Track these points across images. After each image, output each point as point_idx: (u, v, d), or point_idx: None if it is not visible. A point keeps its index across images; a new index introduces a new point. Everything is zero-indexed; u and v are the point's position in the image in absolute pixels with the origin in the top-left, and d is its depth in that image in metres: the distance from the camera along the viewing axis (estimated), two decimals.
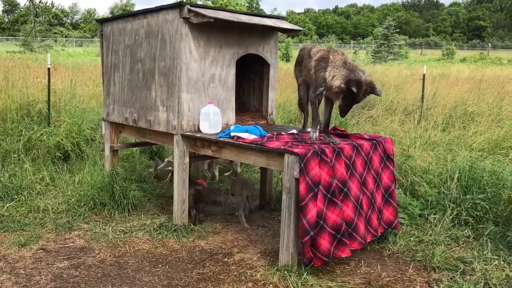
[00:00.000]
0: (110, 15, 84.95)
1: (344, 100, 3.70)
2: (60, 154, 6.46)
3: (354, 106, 3.88)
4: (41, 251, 4.15)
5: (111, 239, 4.38)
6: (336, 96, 3.80)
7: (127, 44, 4.83)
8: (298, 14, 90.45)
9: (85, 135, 7.06)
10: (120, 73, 4.96)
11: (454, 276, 3.73)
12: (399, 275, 3.81)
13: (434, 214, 4.81)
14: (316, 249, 3.54)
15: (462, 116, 8.38)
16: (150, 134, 4.84)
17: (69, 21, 75.34)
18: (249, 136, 4.03)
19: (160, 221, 4.70)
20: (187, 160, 4.47)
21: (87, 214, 4.93)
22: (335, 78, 3.71)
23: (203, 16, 4.09)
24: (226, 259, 4.03)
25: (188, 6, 4.17)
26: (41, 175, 5.76)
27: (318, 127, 4.02)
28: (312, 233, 3.50)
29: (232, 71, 4.68)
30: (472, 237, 4.43)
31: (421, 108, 8.88)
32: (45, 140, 6.47)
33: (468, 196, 4.84)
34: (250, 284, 3.58)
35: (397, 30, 35.84)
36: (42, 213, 4.93)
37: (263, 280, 3.62)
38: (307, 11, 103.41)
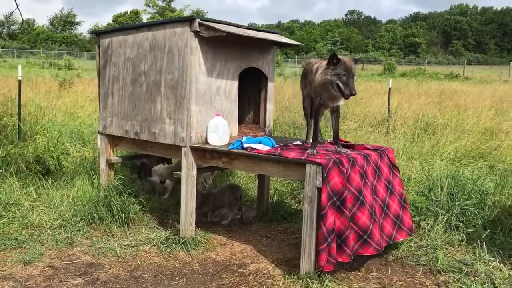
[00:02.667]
0: (51, 26, 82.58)
1: (338, 78, 3.78)
2: (41, 169, 6.25)
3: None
4: (49, 268, 4.02)
5: (119, 254, 4.30)
6: (331, 88, 3.85)
7: (129, 56, 4.80)
8: None
9: (64, 149, 6.87)
10: (120, 85, 4.91)
11: (460, 278, 3.96)
12: (410, 279, 3.99)
13: (425, 220, 5.07)
14: (330, 255, 3.66)
15: (428, 127, 8.83)
16: (152, 146, 4.81)
17: (5, 31, 72.24)
18: (263, 148, 4.11)
19: (165, 234, 4.66)
20: (195, 172, 4.49)
21: (85, 229, 4.80)
22: (319, 75, 3.94)
23: (216, 30, 4.16)
24: (241, 270, 4.07)
25: (199, 20, 4.22)
26: (26, 191, 5.55)
27: (317, 144, 4.15)
28: (329, 239, 3.63)
29: (236, 84, 4.76)
30: (465, 241, 4.71)
31: (388, 120, 9.29)
32: (25, 154, 6.24)
33: (456, 203, 5.14)
34: None
35: (343, 45, 37.09)
36: (37, 229, 4.76)
37: None
38: (251, 25, 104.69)
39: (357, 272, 4.09)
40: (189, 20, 4.24)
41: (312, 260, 3.72)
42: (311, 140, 4.67)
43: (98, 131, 5.25)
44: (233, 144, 4.28)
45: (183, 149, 4.42)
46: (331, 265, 3.64)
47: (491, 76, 36.97)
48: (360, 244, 3.85)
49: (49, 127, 7.02)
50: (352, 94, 3.75)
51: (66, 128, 7.57)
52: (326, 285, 3.67)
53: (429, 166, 6.51)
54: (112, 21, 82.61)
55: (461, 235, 4.78)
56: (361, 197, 3.86)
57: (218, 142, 4.41)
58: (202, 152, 4.45)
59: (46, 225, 4.84)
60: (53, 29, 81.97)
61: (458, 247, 4.62)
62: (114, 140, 5.18)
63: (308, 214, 3.70)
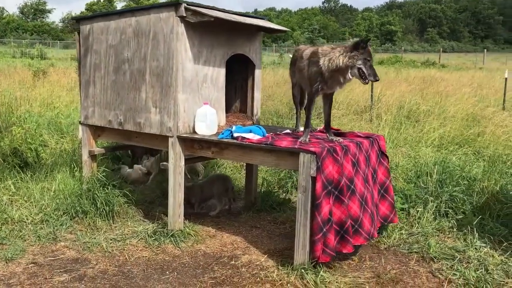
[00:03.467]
0: (21, 14, 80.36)
1: (363, 63, 3.71)
2: (18, 161, 6.01)
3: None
4: (32, 265, 3.85)
5: (106, 249, 4.15)
6: (345, 71, 3.77)
7: (111, 43, 4.61)
8: None
9: (42, 141, 6.63)
10: (102, 73, 4.72)
11: (453, 265, 3.94)
12: (403, 267, 3.95)
13: (413, 207, 5.04)
14: (326, 246, 3.59)
15: (411, 114, 8.83)
16: (136, 137, 4.65)
17: None
18: (254, 137, 4.00)
19: (153, 227, 4.53)
20: (182, 163, 4.35)
21: (68, 223, 4.63)
22: (333, 59, 3.76)
23: (203, 15, 4.01)
24: (233, 262, 3.97)
25: (185, 5, 4.06)
26: (4, 185, 5.33)
27: (309, 131, 4.05)
28: (324, 229, 3.55)
29: (223, 71, 4.62)
30: (455, 228, 4.70)
31: (371, 107, 9.27)
32: (1, 146, 6.00)
33: (445, 189, 5.13)
34: (268, 285, 3.56)
35: (321, 34, 37.07)
36: (18, 225, 4.56)
37: (280, 280, 3.61)
38: None
39: (350, 261, 4.03)
40: (175, 4, 4.07)
41: (306, 251, 3.64)
42: (301, 129, 4.58)
43: (80, 122, 5.06)
44: (222, 134, 4.15)
45: (170, 139, 4.28)
46: (328, 256, 3.57)
47: (466, 63, 37.48)
48: (351, 233, 3.79)
49: (26, 118, 6.76)
50: (376, 79, 3.72)
51: (43, 119, 7.31)
52: (321, 275, 3.60)
53: (415, 153, 6.50)
54: (86, 9, 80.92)
55: (451, 221, 4.77)
56: (352, 186, 3.79)
57: (207, 132, 4.28)
58: (190, 142, 4.31)
59: (27, 220, 4.65)
60: (23, 18, 79.89)
61: (449, 234, 4.61)
62: (96, 131, 5.00)
63: (302, 204, 3.61)
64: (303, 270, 3.62)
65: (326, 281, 3.57)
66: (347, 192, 3.73)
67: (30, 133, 6.41)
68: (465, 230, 4.56)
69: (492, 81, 15.08)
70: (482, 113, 8.30)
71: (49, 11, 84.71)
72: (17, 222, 4.60)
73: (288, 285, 3.55)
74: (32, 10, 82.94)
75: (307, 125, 3.99)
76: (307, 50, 4.05)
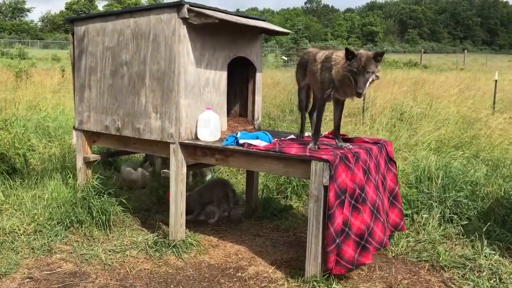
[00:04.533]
0: None
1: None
2: (6, 168, 5.76)
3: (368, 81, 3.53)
4: (28, 280, 3.64)
5: (105, 261, 3.96)
6: (348, 84, 3.59)
7: (108, 45, 4.41)
8: None
9: (30, 145, 6.38)
10: (98, 77, 4.52)
11: (465, 274, 3.84)
12: (414, 277, 3.85)
13: (417, 213, 4.95)
14: (341, 257, 3.46)
15: (406, 117, 8.77)
16: (135, 143, 4.46)
17: None
18: (260, 143, 3.85)
19: (153, 237, 4.34)
20: (184, 170, 4.18)
21: (63, 234, 4.42)
22: (339, 70, 3.61)
23: (207, 16, 3.84)
24: (239, 274, 3.82)
25: (188, 6, 3.89)
26: None
27: (319, 139, 3.91)
28: (338, 241, 3.43)
29: (224, 75, 4.47)
30: (462, 234, 4.62)
31: (363, 109, 9.19)
32: None
33: (450, 194, 5.05)
34: None
35: (304, 34, 37.02)
36: (9, 236, 4.33)
37: None
38: None
39: (359, 271, 3.91)
40: (177, 5, 3.90)
41: (318, 262, 3.50)
42: (306, 134, 4.45)
43: (74, 127, 4.84)
44: (227, 140, 3.99)
45: (172, 146, 4.10)
46: (342, 267, 3.43)
47: (447, 64, 37.90)
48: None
49: (13, 122, 6.49)
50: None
51: (30, 122, 7.04)
52: (334, 287, 3.47)
53: (413, 157, 6.41)
54: (65, 8, 79.81)
55: (458, 228, 4.68)
56: (363, 195, 3.67)
57: (210, 138, 4.11)
58: (193, 149, 4.14)
59: (19, 230, 4.43)
60: (1, 16, 78.35)
61: (456, 241, 4.52)
62: (91, 137, 4.79)
63: (314, 214, 3.48)
64: (315, 283, 3.48)
65: None
66: (359, 200, 3.61)
67: (17, 137, 6.16)
68: (472, 237, 4.48)
69: (478, 83, 15.17)
70: (476, 116, 8.27)
71: (28, 10, 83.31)
72: (8, 233, 4.37)
73: None
74: (11, 8, 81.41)
75: (316, 131, 3.85)
76: (320, 53, 3.92)
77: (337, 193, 3.41)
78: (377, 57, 3.50)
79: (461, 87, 13.13)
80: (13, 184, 5.32)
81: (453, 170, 5.42)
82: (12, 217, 4.65)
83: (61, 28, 76.41)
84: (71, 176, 5.06)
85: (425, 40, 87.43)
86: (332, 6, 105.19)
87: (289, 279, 3.67)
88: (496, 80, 10.30)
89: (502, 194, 5.01)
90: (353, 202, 3.53)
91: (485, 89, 12.48)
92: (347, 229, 3.48)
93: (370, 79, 3.49)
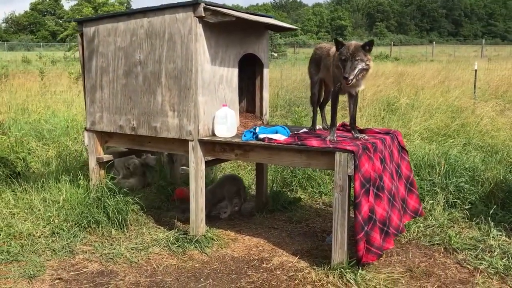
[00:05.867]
0: None
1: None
2: (9, 172, 5.71)
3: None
4: (58, 281, 3.66)
5: (130, 259, 4.00)
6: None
7: (120, 45, 4.43)
8: None
9: (28, 149, 6.33)
10: (110, 77, 4.53)
11: (477, 254, 4.05)
12: (431, 260, 4.02)
13: (423, 200, 5.14)
14: (371, 245, 3.59)
15: (391, 108, 9.01)
16: (150, 142, 4.50)
17: None
18: (280, 137, 3.95)
19: (174, 233, 4.39)
20: (203, 167, 4.25)
21: (82, 235, 4.43)
22: None
23: (224, 15, 3.92)
24: (265, 265, 3.92)
25: (204, 4, 3.96)
26: (1, 197, 5.04)
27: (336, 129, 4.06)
28: (366, 228, 3.56)
29: (236, 72, 4.55)
30: (467, 218, 4.83)
31: None
32: None
33: (450, 181, 5.26)
34: (309, 287, 3.54)
35: None
36: (27, 239, 4.32)
37: (320, 280, 3.59)
38: None
39: None
40: (193, 4, 3.96)
41: (344, 250, 3.64)
42: (318, 127, 4.57)
43: (85, 128, 4.84)
44: (245, 136, 4.08)
45: (191, 143, 4.16)
46: (374, 255, 3.58)
47: (416, 55, 38.63)
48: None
49: (10, 126, 6.42)
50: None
51: (28, 126, 6.96)
52: (360, 273, 3.61)
53: (408, 146, 6.62)
54: (30, 9, 77.96)
55: (464, 212, 4.89)
56: (382, 183, 3.82)
57: (227, 134, 4.19)
58: (211, 145, 4.21)
59: (36, 233, 4.42)
60: None
61: (462, 224, 4.72)
62: (103, 137, 4.80)
63: (339, 203, 3.60)
64: (342, 270, 3.61)
65: (366, 279, 3.58)
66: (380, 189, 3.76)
67: (17, 141, 6.10)
68: (478, 220, 4.69)
69: (453, 73, 15.61)
70: (461, 105, 8.57)
71: None
72: (26, 236, 4.36)
73: (329, 285, 3.54)
74: None
75: (333, 123, 3.98)
76: (332, 48, 4.04)
77: (362, 182, 3.55)
78: (366, 46, 3.70)
79: (440, 78, 13.52)
80: (18, 188, 5.28)
81: (451, 157, 5.64)
82: (25, 220, 4.63)
83: (27, 29, 74.67)
84: (81, 177, 5.05)
85: (393, 33, 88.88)
86: (300, 1, 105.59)
87: (315, 267, 3.79)
88: (476, 70, 10.66)
89: (501, 178, 5.25)
90: (375, 190, 3.67)
91: (463, 79, 12.88)
92: (374, 217, 3.62)
93: (360, 66, 3.68)
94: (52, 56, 33.06)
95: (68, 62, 28.44)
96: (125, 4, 34.95)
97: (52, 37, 65.89)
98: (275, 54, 29.10)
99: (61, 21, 65.52)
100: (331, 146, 3.63)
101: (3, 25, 75.98)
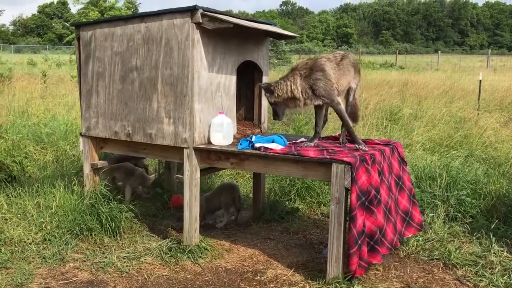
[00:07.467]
0: None
1: None
2: (4, 176, 5.65)
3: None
4: None
5: (121, 268, 3.91)
6: None
7: (117, 50, 4.37)
8: None
9: (26, 153, 6.26)
10: (106, 82, 4.47)
11: (478, 271, 3.93)
12: (429, 275, 3.92)
13: (423, 213, 5.03)
14: (361, 258, 3.51)
15: (394, 117, 8.91)
16: (145, 148, 4.43)
17: None
18: (277, 147, 3.87)
19: (166, 243, 4.30)
20: (198, 175, 4.17)
21: (73, 242, 4.35)
22: None
23: (222, 21, 3.85)
24: (258, 278, 3.83)
25: (202, 11, 3.89)
26: None
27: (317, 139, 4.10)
28: (359, 242, 3.47)
29: (234, 79, 4.47)
30: (468, 232, 4.72)
31: None
32: None
33: (452, 194, 5.15)
34: None
35: None
36: (18, 246, 4.24)
37: None
38: None
39: (375, 271, 3.96)
40: (191, 10, 3.90)
41: (340, 264, 3.54)
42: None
43: (80, 133, 4.77)
44: (241, 144, 4.00)
45: (186, 151, 4.09)
46: (363, 269, 3.48)
47: (421, 64, 38.49)
48: (380, 243, 3.72)
49: (8, 129, 6.36)
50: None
51: (25, 129, 6.90)
52: None
53: (410, 157, 6.52)
54: (38, 11, 78.40)
55: (464, 226, 4.78)
56: (378, 196, 3.73)
57: (223, 142, 4.11)
58: (206, 153, 4.13)
59: (27, 239, 4.34)
60: None
61: (463, 238, 4.61)
62: (99, 143, 4.73)
63: (335, 216, 3.51)
64: (337, 284, 3.52)
65: None
66: (374, 202, 3.66)
67: (14, 145, 6.04)
68: (478, 234, 4.58)
69: (458, 83, 15.49)
70: (464, 116, 8.46)
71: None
72: (17, 243, 4.28)
73: None
74: None
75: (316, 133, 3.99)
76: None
77: (358, 195, 3.46)
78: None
79: (444, 87, 13.41)
80: (12, 193, 5.21)
81: (453, 169, 5.54)
82: (17, 226, 4.55)
83: (34, 32, 75.07)
84: (76, 183, 4.98)
85: (398, 41, 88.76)
86: (306, 8, 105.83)
87: (309, 281, 3.70)
88: (480, 80, 10.55)
89: (504, 192, 5.14)
90: (366, 203, 3.58)
91: (468, 89, 12.76)
92: (364, 229, 3.53)
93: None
94: (58, 59, 33.13)
95: (73, 65, 28.46)
96: (133, 9, 35.12)
97: (59, 40, 66.13)
98: (275, 61, 29.03)
99: (68, 24, 65.82)
100: (327, 157, 3.54)
101: (11, 27, 76.42)
